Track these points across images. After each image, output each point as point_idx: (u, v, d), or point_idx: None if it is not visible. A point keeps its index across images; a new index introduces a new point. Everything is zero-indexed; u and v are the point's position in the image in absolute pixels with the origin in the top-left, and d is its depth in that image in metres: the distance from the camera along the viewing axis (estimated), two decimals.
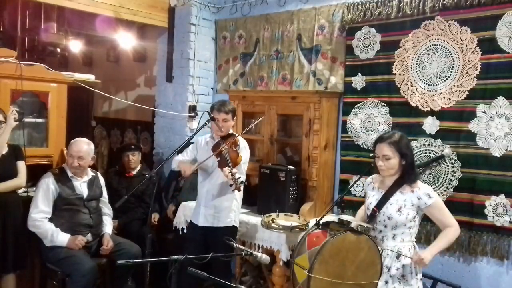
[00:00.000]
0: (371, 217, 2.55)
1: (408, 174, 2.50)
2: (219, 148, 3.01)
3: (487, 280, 3.11)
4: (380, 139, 2.53)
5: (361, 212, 2.84)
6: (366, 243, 2.38)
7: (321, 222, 2.52)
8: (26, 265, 3.38)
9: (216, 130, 3.14)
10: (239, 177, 2.89)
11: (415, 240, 2.59)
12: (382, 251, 2.48)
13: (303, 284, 2.33)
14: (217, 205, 3.16)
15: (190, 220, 3.34)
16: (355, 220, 2.50)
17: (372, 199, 2.61)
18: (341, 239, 2.34)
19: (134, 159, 4.33)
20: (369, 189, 2.70)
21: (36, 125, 3.82)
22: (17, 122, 3.26)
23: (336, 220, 2.44)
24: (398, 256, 2.47)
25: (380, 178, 2.65)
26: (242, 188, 2.94)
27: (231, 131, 3.18)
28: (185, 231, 3.58)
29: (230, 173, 2.83)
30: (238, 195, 3.24)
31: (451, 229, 2.48)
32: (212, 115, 3.06)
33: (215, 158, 3.04)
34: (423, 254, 2.41)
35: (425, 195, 2.46)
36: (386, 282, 2.46)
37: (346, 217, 2.47)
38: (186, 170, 3.07)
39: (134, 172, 4.36)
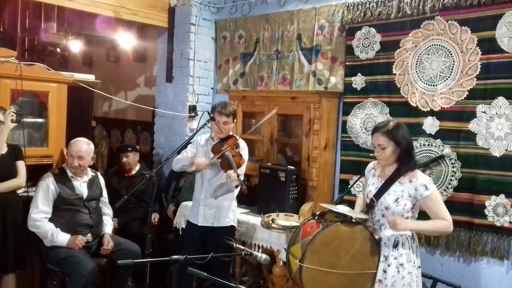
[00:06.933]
0: (369, 206, 2.56)
1: (403, 162, 2.48)
2: (220, 149, 3.01)
3: (487, 280, 3.11)
4: (375, 129, 2.55)
5: (359, 200, 2.84)
6: (361, 233, 2.39)
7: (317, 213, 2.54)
8: (26, 265, 3.38)
9: (216, 132, 3.15)
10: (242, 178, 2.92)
11: None
12: (380, 240, 2.48)
13: (297, 273, 2.35)
14: (217, 205, 3.17)
15: (187, 220, 3.34)
16: (351, 210, 2.51)
17: (372, 187, 2.61)
18: (333, 229, 2.35)
19: (129, 160, 4.31)
20: (369, 175, 2.71)
21: (36, 125, 3.82)
22: (16, 124, 3.26)
23: (331, 209, 2.44)
24: (396, 245, 2.47)
25: (381, 166, 2.64)
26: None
27: (230, 133, 3.20)
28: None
29: (236, 176, 2.86)
30: (236, 195, 3.26)
31: (442, 221, 2.44)
32: (212, 115, 3.07)
33: (216, 159, 3.05)
34: (400, 220, 2.42)
35: (422, 186, 2.44)
36: (384, 271, 2.46)
37: (341, 207, 2.47)
38: (201, 164, 3.04)
39: (134, 172, 4.36)
